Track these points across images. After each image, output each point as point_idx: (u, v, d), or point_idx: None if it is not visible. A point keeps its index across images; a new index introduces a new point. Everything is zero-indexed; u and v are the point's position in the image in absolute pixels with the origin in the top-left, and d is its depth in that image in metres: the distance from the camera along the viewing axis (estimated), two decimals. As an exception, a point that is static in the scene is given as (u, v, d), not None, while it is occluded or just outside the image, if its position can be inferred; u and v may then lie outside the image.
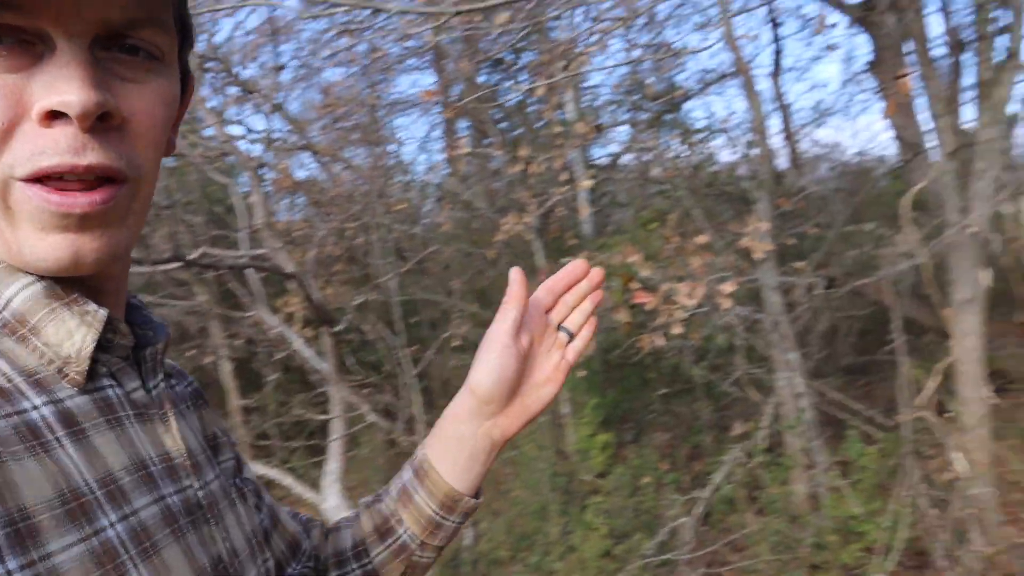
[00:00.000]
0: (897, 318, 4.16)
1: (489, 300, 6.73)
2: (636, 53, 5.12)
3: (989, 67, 3.88)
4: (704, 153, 4.90)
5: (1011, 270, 6.65)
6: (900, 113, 5.09)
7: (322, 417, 6.23)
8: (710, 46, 4.75)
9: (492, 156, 6.45)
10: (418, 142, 9.58)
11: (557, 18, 5.28)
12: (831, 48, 8.12)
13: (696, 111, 10.67)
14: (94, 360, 0.62)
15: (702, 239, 3.53)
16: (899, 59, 4.75)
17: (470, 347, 6.63)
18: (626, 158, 7.11)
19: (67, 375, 0.60)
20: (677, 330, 3.34)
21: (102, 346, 0.63)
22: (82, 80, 0.55)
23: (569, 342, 0.91)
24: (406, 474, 0.90)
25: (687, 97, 5.63)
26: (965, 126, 4.45)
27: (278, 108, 6.55)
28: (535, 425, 5.71)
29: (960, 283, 4.46)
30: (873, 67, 5.12)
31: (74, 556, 0.53)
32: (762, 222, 3.47)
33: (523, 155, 4.74)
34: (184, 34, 0.69)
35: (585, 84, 7.34)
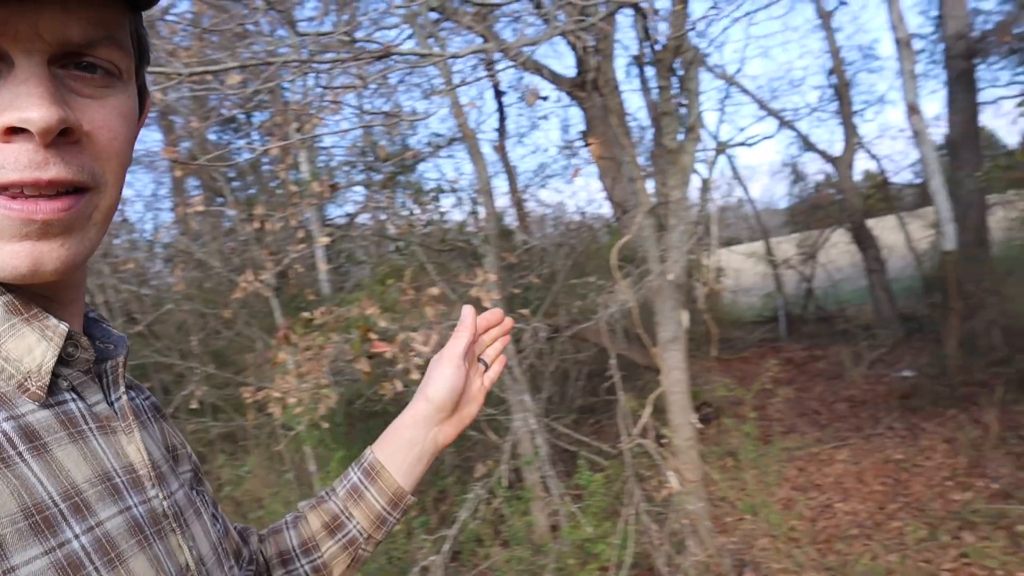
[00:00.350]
0: (614, 358, 4.62)
1: (226, 360, 6.57)
2: (368, 117, 5.34)
3: (674, 138, 4.50)
4: (436, 212, 5.19)
5: (707, 312, 7.57)
6: (608, 176, 5.71)
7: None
8: (435, 113, 5.05)
9: (225, 215, 6.36)
10: (144, 200, 9.14)
11: (292, 81, 5.39)
12: (544, 118, 8.90)
13: (429, 172, 11.15)
14: (55, 374, 0.63)
15: (435, 291, 3.78)
16: (607, 129, 5.36)
17: (208, 409, 6.42)
18: (362, 217, 7.31)
19: (28, 390, 0.61)
20: (415, 376, 3.54)
21: (63, 360, 0.64)
22: (42, 97, 0.56)
23: (485, 371, 1.08)
24: (354, 475, 1.00)
25: (418, 159, 5.95)
26: (661, 188, 5.08)
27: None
28: (281, 482, 5.65)
29: (664, 325, 5.03)
30: (585, 136, 5.72)
31: (38, 569, 0.53)
32: (489, 274, 3.77)
33: (258, 214, 4.76)
34: (141, 52, 0.71)
35: (320, 144, 7.47)
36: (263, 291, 5.39)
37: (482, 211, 4.98)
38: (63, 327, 0.63)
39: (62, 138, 0.58)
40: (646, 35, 4.13)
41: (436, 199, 4.90)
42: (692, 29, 3.95)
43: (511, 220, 10.49)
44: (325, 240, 4.14)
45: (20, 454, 0.56)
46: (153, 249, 7.68)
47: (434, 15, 5.06)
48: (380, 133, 6.62)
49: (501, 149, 10.07)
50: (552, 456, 5.12)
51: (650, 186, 5.12)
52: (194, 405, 6.00)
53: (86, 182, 0.60)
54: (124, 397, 0.70)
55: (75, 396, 0.65)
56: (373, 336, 3.68)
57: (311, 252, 6.66)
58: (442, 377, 1.02)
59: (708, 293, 4.87)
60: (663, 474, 4.68)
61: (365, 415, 5.41)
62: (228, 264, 6.16)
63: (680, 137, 4.54)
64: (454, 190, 5.25)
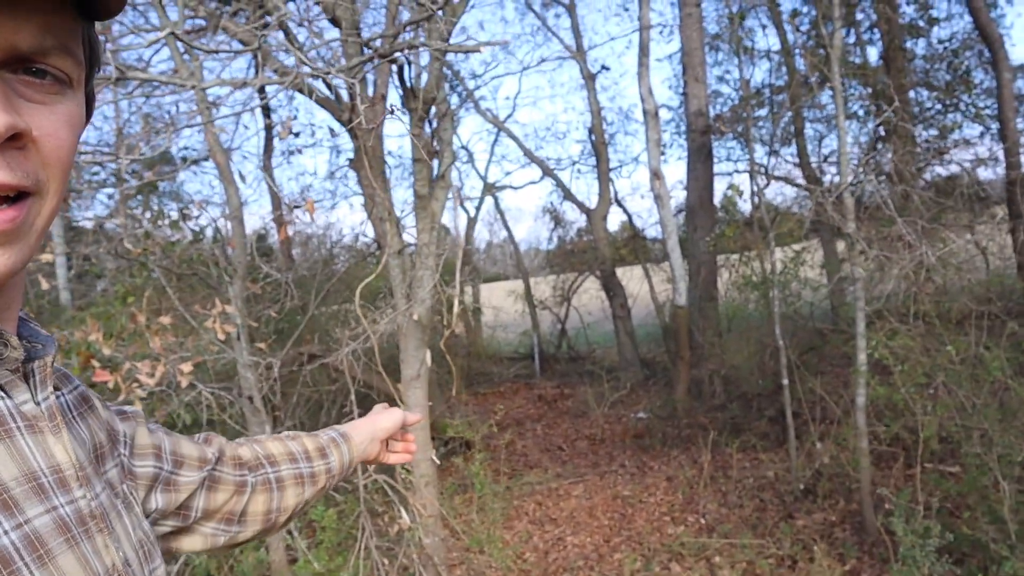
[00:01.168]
0: (353, 393, 4.68)
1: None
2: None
3: (425, 184, 4.67)
4: (184, 232, 5.02)
5: (450, 352, 7.81)
6: (370, 209, 5.79)
7: None
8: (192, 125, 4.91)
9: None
10: None
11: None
12: (316, 144, 8.91)
13: (191, 182, 10.73)
14: None
15: (165, 320, 3.67)
16: (376, 161, 5.43)
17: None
18: (111, 224, 6.88)
19: None
20: (138, 406, 3.41)
21: None
22: None
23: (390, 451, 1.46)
24: (333, 432, 1.28)
25: (165, 176, 5.72)
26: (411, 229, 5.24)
27: None
28: None
29: (408, 362, 5.16)
30: (352, 163, 5.76)
31: None
32: (226, 305, 3.72)
33: None
34: (92, 60, 0.70)
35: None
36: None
37: (230, 236, 4.88)
38: None
39: (9, 143, 0.58)
40: (402, 85, 4.28)
41: (184, 219, 4.74)
42: (449, 82, 4.15)
43: (271, 244, 10.31)
44: (48, 257, 3.89)
45: None
46: None
47: (198, 21, 4.94)
48: (138, 136, 6.30)
49: (267, 168, 9.89)
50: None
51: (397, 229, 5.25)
52: None
53: (29, 188, 0.60)
54: (52, 397, 0.71)
55: (3, 394, 0.65)
56: (95, 364, 3.51)
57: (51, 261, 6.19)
58: (389, 419, 1.40)
59: (451, 333, 5.05)
60: (395, 509, 4.78)
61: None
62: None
63: (431, 183, 4.73)
64: (200, 212, 5.10)
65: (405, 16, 4.17)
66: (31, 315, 0.78)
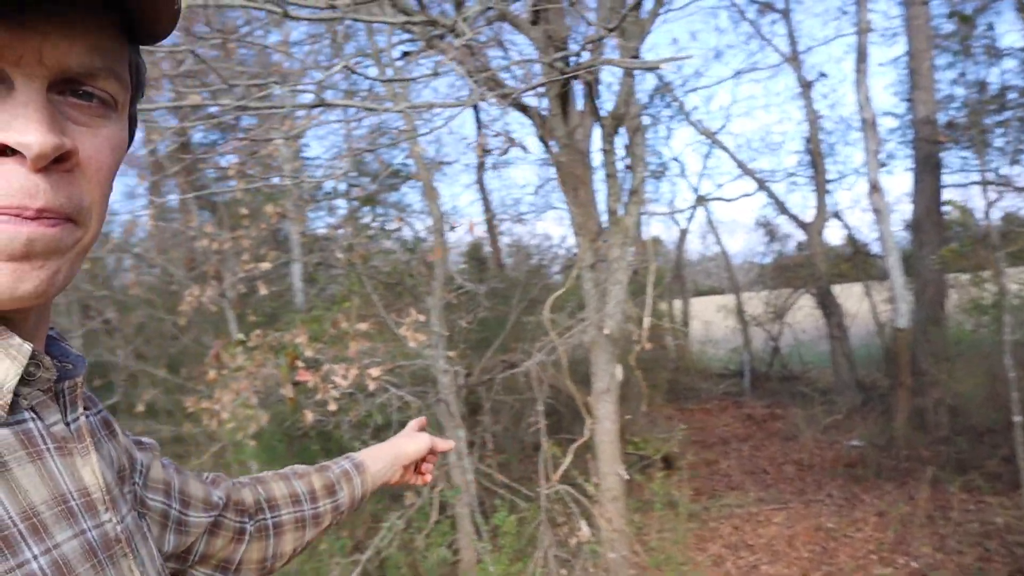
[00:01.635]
0: (541, 404, 4.78)
1: (179, 366, 6.70)
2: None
3: (617, 200, 4.69)
4: (398, 241, 5.35)
5: (656, 366, 7.72)
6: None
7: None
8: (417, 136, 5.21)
9: (192, 224, 6.50)
10: (121, 197, 9.20)
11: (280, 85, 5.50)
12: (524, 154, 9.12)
13: (408, 197, 11.36)
14: (16, 393, 0.63)
15: (363, 326, 3.93)
16: (569, 176, 5.52)
17: (159, 412, 6.53)
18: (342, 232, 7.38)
19: None
20: (332, 407, 3.69)
21: (24, 380, 0.64)
22: (40, 122, 0.57)
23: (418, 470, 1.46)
24: (346, 464, 1.28)
25: (379, 192, 6.08)
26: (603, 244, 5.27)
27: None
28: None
29: (598, 376, 5.18)
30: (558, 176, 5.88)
31: None
32: (419, 315, 3.93)
33: (241, 215, 4.84)
34: (137, 84, 0.72)
35: (305, 155, 7.59)
36: (217, 303, 5.52)
37: (432, 246, 5.13)
38: (27, 347, 0.63)
39: (54, 165, 0.59)
40: (592, 104, 4.32)
41: (388, 231, 5.04)
42: (639, 102, 4.14)
43: (485, 252, 10.67)
44: (266, 265, 4.30)
45: None
46: (125, 248, 7.78)
47: (408, 47, 5.24)
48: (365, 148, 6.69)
49: (479, 180, 10.26)
50: (477, 493, 5.26)
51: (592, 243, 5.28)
52: (140, 408, 6.12)
53: (72, 213, 0.61)
54: (82, 418, 0.71)
55: (34, 415, 0.65)
56: (299, 364, 3.82)
57: (287, 265, 6.79)
58: (414, 444, 1.40)
59: (641, 350, 5.02)
60: (576, 521, 4.82)
61: (301, 435, 5.55)
62: (190, 272, 6.29)
63: (624, 199, 4.74)
64: (399, 222, 5.38)
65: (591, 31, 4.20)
66: (61, 336, 0.78)
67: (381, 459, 1.36)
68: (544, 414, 4.88)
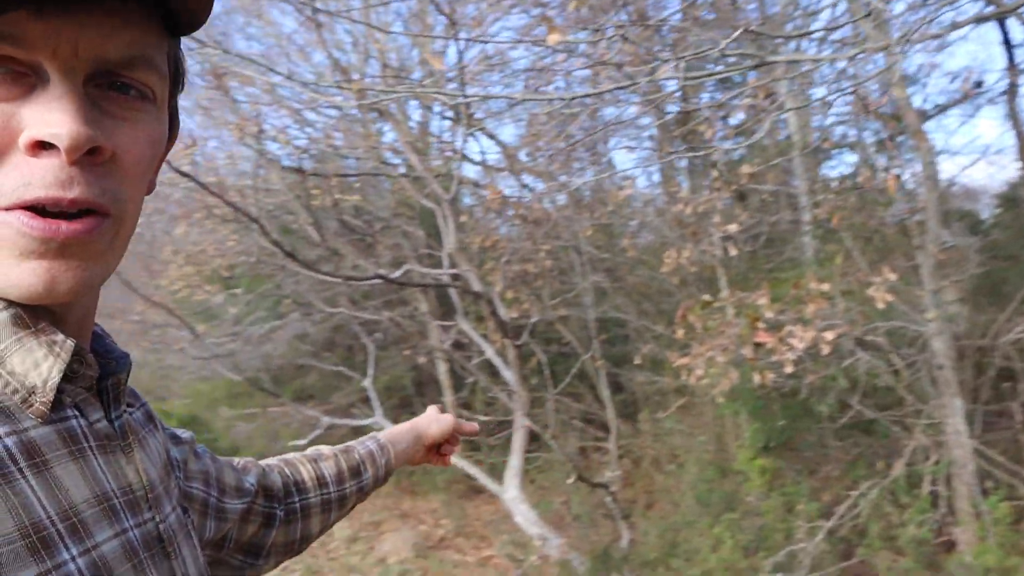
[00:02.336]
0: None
1: (672, 323, 7.08)
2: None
3: None
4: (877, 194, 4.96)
5: None
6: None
7: (501, 419, 6.93)
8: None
9: (674, 189, 6.78)
10: (638, 163, 9.75)
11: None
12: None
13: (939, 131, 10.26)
14: (59, 391, 0.62)
15: (824, 286, 3.77)
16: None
17: (653, 366, 7.02)
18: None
19: (32, 405, 0.60)
20: (788, 369, 3.63)
21: (67, 376, 0.63)
22: (74, 114, 0.56)
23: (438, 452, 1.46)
24: (371, 444, 1.30)
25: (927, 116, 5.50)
26: None
27: (492, 136, 7.30)
28: (695, 443, 6.06)
29: None
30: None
31: None
32: (890, 274, 3.64)
33: (745, 172, 4.90)
34: (176, 77, 0.71)
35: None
36: (700, 261, 5.72)
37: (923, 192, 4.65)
38: (71, 343, 0.63)
39: (88, 157, 0.58)
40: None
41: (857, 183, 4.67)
42: None
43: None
44: (734, 227, 4.32)
45: (20, 470, 0.56)
46: (639, 209, 8.18)
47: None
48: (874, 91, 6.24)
49: (1010, 111, 8.90)
50: (977, 473, 4.70)
51: None
52: (637, 360, 6.63)
53: (107, 206, 0.60)
54: (125, 415, 0.71)
55: (77, 413, 0.65)
56: (760, 325, 3.83)
57: (795, 218, 6.70)
58: (438, 424, 1.41)
59: None
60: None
61: (785, 394, 5.51)
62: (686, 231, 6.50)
63: None
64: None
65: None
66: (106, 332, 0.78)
67: (404, 439, 1.35)
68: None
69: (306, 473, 1.18)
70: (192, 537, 0.79)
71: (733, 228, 4.43)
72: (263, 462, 1.17)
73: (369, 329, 7.98)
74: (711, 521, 5.16)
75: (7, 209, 0.57)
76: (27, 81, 0.57)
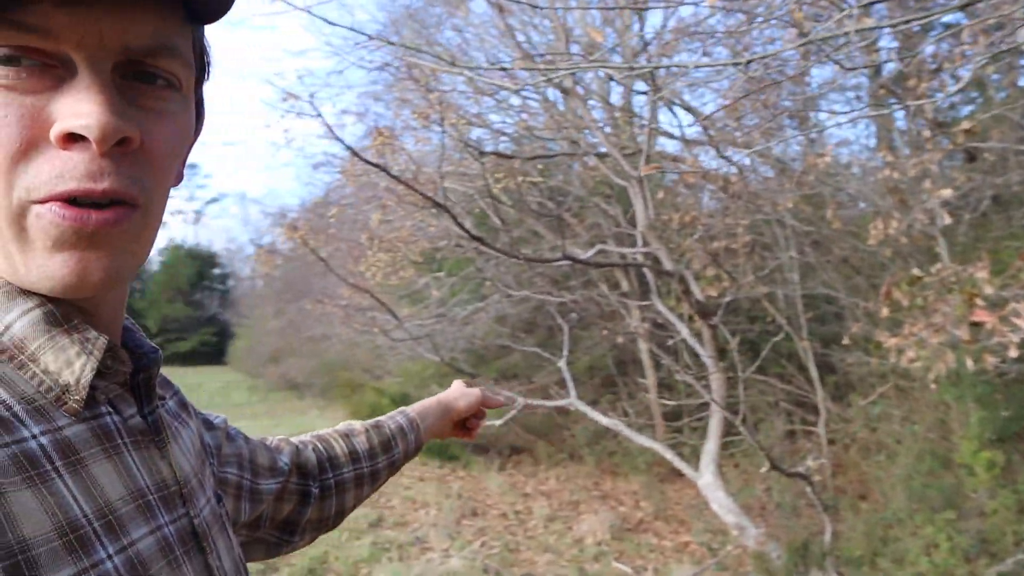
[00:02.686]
0: None
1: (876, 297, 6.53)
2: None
3: None
4: None
5: None
6: None
7: (696, 401, 6.68)
8: None
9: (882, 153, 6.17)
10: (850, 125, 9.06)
11: None
12: None
13: None
14: (92, 387, 0.63)
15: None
16: None
17: (865, 345, 6.51)
18: None
19: (65, 403, 0.60)
20: (1012, 353, 3.18)
21: (100, 373, 0.63)
22: (103, 105, 0.57)
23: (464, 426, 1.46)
24: (401, 419, 1.31)
25: None
26: None
27: (689, 109, 7.03)
28: (908, 432, 5.54)
29: None
30: None
31: None
32: None
33: (963, 128, 4.43)
34: (202, 66, 0.72)
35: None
36: (908, 233, 5.22)
37: None
38: (103, 340, 0.63)
39: (117, 148, 0.58)
40: None
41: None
42: None
43: None
44: (947, 192, 3.82)
45: (56, 469, 0.56)
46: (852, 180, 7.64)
47: None
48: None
49: None
50: None
51: None
52: (845, 341, 6.16)
53: (136, 196, 0.61)
54: (159, 409, 0.71)
55: (111, 409, 0.65)
56: (979, 303, 3.40)
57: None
58: (465, 400, 1.40)
59: None
60: None
61: (1006, 382, 4.92)
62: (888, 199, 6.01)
63: None
64: None
65: None
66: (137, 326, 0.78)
67: (432, 414, 1.36)
68: None
69: (339, 448, 1.20)
70: (227, 528, 0.79)
71: (947, 193, 3.95)
72: (296, 439, 1.18)
73: (564, 310, 7.96)
74: (925, 519, 4.70)
75: (41, 202, 0.57)
76: (55, 73, 0.58)
